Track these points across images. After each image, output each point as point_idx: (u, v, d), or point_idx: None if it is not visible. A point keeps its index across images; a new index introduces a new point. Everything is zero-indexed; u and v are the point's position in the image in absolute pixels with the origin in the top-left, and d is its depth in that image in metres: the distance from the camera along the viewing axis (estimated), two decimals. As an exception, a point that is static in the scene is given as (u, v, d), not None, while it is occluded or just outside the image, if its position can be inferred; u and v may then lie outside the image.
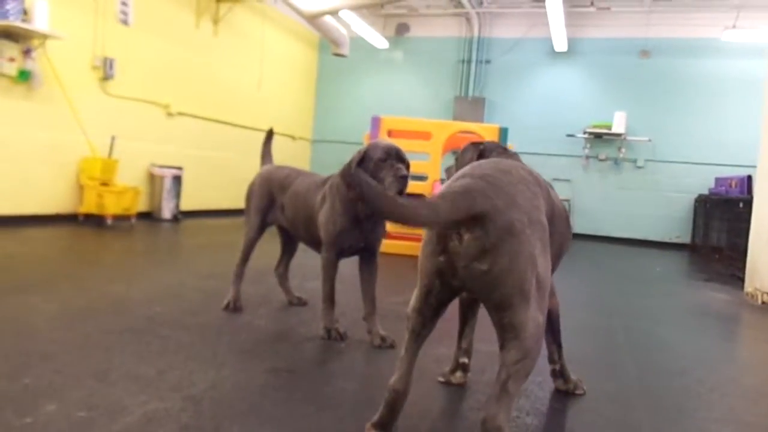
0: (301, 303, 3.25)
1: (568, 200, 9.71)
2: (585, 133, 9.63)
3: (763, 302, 4.63)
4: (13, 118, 5.56)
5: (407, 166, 2.48)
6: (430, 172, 5.86)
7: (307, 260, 2.73)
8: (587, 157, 9.74)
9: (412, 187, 5.88)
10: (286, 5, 7.93)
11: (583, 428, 1.91)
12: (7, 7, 5.09)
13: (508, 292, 1.42)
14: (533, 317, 1.44)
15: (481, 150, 2.23)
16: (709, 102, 9.25)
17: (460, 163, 2.29)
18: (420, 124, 6.13)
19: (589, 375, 2.33)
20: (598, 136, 9.59)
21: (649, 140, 9.42)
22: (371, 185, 1.31)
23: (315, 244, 2.80)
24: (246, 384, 2.01)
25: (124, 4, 6.64)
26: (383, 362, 2.41)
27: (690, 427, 1.98)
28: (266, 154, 3.29)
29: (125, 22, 6.69)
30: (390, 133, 5.99)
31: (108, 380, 1.94)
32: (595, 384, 2.26)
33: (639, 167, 9.56)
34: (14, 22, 5.16)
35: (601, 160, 9.70)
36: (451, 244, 1.47)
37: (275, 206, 2.98)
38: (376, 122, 5.92)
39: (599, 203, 9.67)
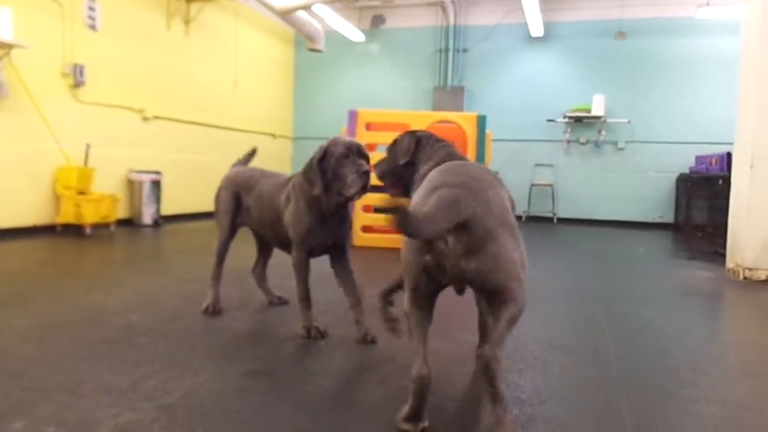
0: (282, 302, 3.22)
1: (551, 185, 9.73)
2: (565, 117, 9.64)
3: (744, 278, 4.67)
4: (-17, 130, 5.45)
5: (368, 161, 2.48)
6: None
7: (287, 258, 2.69)
8: (568, 141, 9.76)
9: (393, 180, 5.88)
10: (257, 2, 7.84)
11: (564, 414, 1.90)
12: (-31, 16, 4.97)
13: (501, 279, 1.63)
14: (522, 284, 1.67)
15: (417, 138, 2.24)
16: (687, 81, 9.29)
17: (395, 153, 2.27)
18: (397, 115, 6.09)
19: (570, 361, 2.32)
20: (578, 119, 9.60)
21: (629, 122, 9.46)
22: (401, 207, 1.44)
23: (284, 245, 2.78)
24: (222, 389, 1.98)
25: (91, 9, 6.53)
26: (363, 359, 2.38)
27: (672, 409, 1.97)
28: (239, 162, 3.26)
29: (93, 28, 6.58)
30: (368, 126, 5.95)
31: (80, 394, 1.89)
32: (577, 370, 2.26)
33: (620, 149, 9.59)
34: (-23, 31, 5.05)
35: (582, 144, 9.73)
36: (437, 246, 1.63)
37: (242, 208, 2.96)
38: (353, 116, 5.88)
39: (582, 187, 9.69)
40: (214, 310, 2.94)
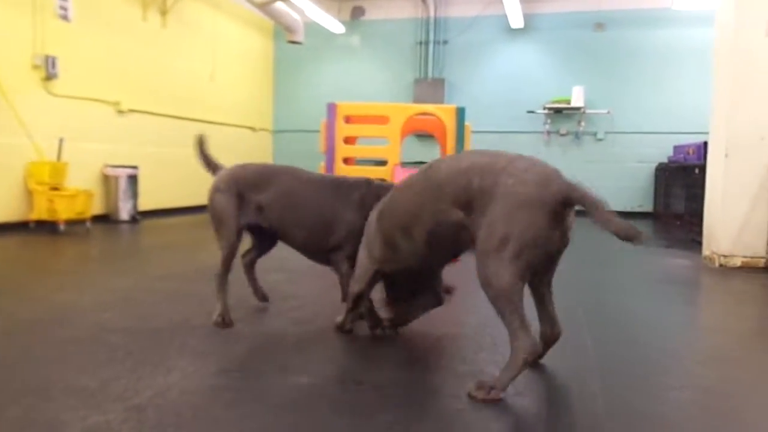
0: (263, 299, 3.11)
1: (531, 176, 9.76)
2: (545, 108, 9.67)
3: (720, 265, 4.72)
4: (-48, 124, 5.31)
5: None
6: (389, 157, 5.79)
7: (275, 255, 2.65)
8: (548, 133, 9.79)
9: (373, 172, 5.85)
10: (234, -7, 7.73)
11: (539, 405, 1.90)
12: (-66, 8, 4.83)
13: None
14: None
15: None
16: (665, 71, 9.36)
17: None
18: (377, 108, 6.05)
19: (554, 352, 2.32)
20: (557, 111, 9.64)
21: (608, 112, 9.51)
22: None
23: (315, 251, 2.72)
24: (195, 388, 1.94)
25: (63, -1, 6.38)
26: (339, 352, 2.36)
27: (646, 395, 1.98)
28: (209, 159, 2.96)
29: (66, 18, 6.43)
30: (347, 119, 5.90)
31: (47, 395, 1.85)
32: (553, 360, 2.25)
33: (599, 140, 9.65)
34: (-57, 23, 4.91)
35: (562, 135, 9.76)
36: (567, 221, 1.91)
37: (248, 209, 2.71)
38: (332, 109, 5.81)
39: (562, 178, 9.73)
40: (225, 322, 2.66)
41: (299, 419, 1.73)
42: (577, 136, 9.69)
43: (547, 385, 2.09)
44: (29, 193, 5.98)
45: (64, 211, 5.89)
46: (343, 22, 10.41)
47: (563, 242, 1.93)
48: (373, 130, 6.03)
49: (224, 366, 2.16)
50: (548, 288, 2.15)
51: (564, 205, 1.84)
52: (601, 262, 5.15)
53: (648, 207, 9.44)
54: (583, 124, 9.61)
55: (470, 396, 1.87)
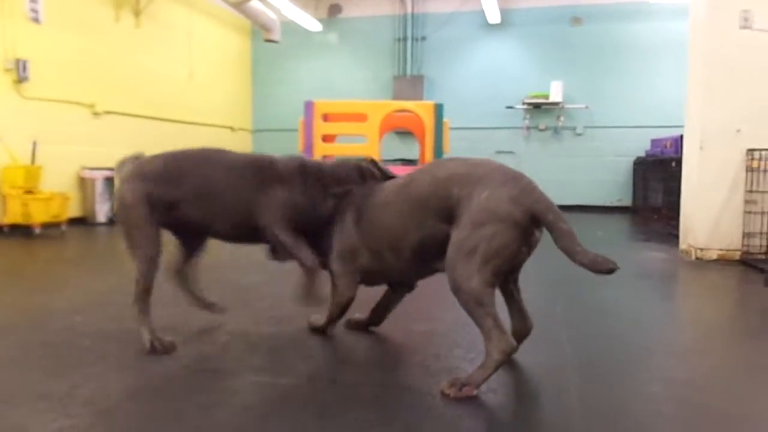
0: (217, 311, 2.75)
1: (512, 172, 9.80)
2: (524, 104, 9.71)
3: (696, 258, 4.77)
4: None
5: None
6: (368, 155, 5.77)
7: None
8: (528, 128, 9.84)
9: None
10: (210, -8, 7.66)
11: (513, 402, 1.90)
12: None
13: None
14: None
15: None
16: (642, 65, 9.44)
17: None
18: (355, 105, 6.03)
19: (522, 348, 2.32)
20: (536, 106, 9.69)
21: (587, 107, 9.58)
22: None
23: (246, 237, 2.48)
24: (167, 390, 1.91)
25: (33, 1, 6.26)
26: (315, 351, 2.34)
27: (619, 388, 1.99)
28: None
29: (36, 20, 6.32)
30: (325, 117, 5.88)
31: (14, 401, 1.81)
32: (528, 357, 2.25)
33: (578, 134, 9.71)
34: None
35: (541, 130, 9.82)
36: (534, 237, 1.96)
37: (158, 209, 2.36)
38: (309, 107, 5.79)
39: (542, 173, 9.71)
40: (164, 346, 2.28)
41: (272, 419, 1.71)
42: (556, 131, 9.75)
43: (521, 381, 2.09)
44: (2, 198, 5.87)
45: (38, 215, 5.79)
46: (321, 20, 10.37)
47: (529, 253, 2.00)
48: (351, 127, 6.01)
49: (197, 367, 2.13)
50: (515, 285, 2.20)
51: (533, 223, 1.90)
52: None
53: (627, 201, 9.53)
54: (562, 119, 9.67)
55: (443, 393, 1.87)
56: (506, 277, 2.13)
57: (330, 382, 2.03)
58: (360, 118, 5.86)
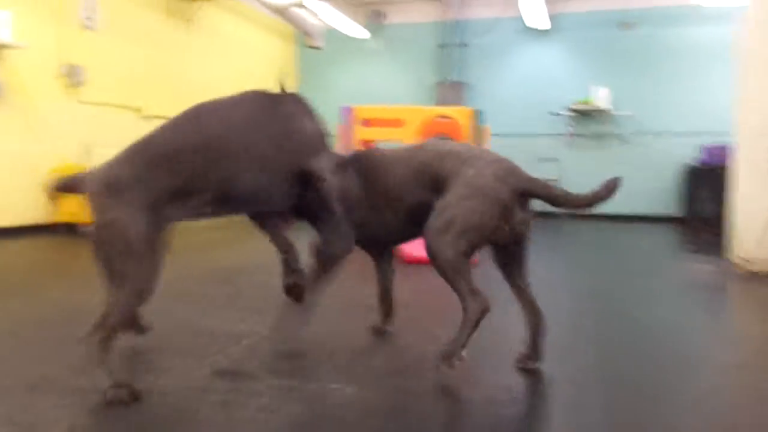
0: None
1: (555, 179, 9.61)
2: (568, 110, 9.52)
3: (747, 270, 4.55)
4: (-20, 131, 5.48)
5: None
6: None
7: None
8: (572, 135, 9.63)
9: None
10: (256, 0, 7.81)
11: (531, 411, 1.84)
12: (-37, 18, 4.99)
13: None
14: None
15: None
16: (694, 70, 9.12)
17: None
18: (393, 111, 6.03)
19: (549, 358, 2.26)
20: (581, 112, 9.48)
21: (634, 114, 9.31)
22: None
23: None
24: (185, 390, 1.94)
25: (89, 9, 6.53)
26: (340, 358, 2.33)
27: (645, 405, 1.90)
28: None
29: (91, 28, 6.58)
30: (364, 123, 5.90)
31: (40, 392, 1.87)
32: (555, 368, 2.19)
33: (625, 142, 9.45)
34: (-28, 33, 5.07)
35: (586, 137, 9.60)
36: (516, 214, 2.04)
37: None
38: (347, 112, 5.83)
39: (586, 180, 9.37)
40: (131, 394, 1.78)
41: (289, 421, 1.71)
42: (602, 138, 9.51)
43: (545, 394, 2.03)
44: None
45: (85, 214, 6.00)
46: (365, 27, 10.44)
47: (513, 236, 2.06)
48: (390, 133, 6.01)
49: (220, 367, 2.15)
50: (524, 281, 2.21)
51: (518, 199, 2.02)
52: (622, 267, 5.03)
53: (676, 211, 9.19)
54: (608, 125, 9.43)
55: (439, 369, 2.00)
56: (511, 271, 2.20)
57: (350, 386, 2.02)
58: (398, 123, 5.86)
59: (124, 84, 7.10)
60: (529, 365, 2.15)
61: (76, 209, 5.99)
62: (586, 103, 9.35)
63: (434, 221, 2.03)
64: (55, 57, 6.19)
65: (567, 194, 2.07)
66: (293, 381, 2.02)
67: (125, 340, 2.44)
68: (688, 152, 8.94)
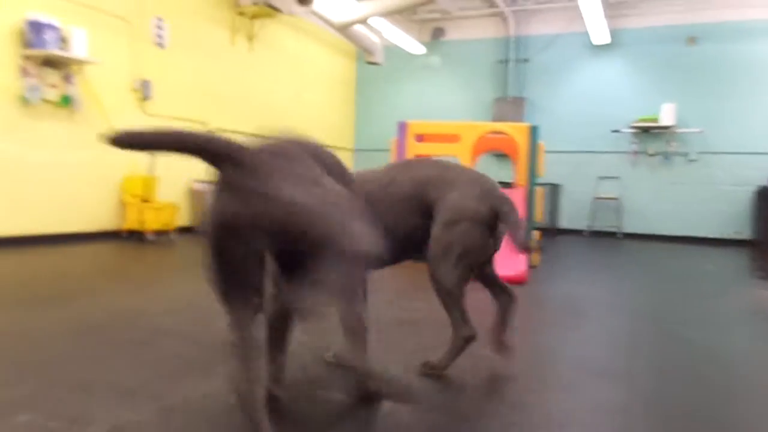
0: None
1: (616, 198, 9.33)
2: (631, 127, 9.25)
3: (819, 299, 4.28)
4: (58, 141, 5.85)
5: None
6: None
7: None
8: (635, 153, 9.33)
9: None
10: (317, 17, 8.02)
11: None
12: (46, 37, 5.36)
13: None
14: None
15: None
16: (764, 87, 8.69)
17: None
18: (448, 126, 6.02)
19: (598, 383, 2.20)
20: (645, 130, 9.18)
21: (702, 131, 8.95)
22: None
23: None
24: (229, 395, 1.99)
25: (159, 27, 6.89)
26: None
27: (694, 437, 1.82)
28: None
29: (161, 45, 6.93)
30: (419, 138, 5.93)
31: (89, 391, 1.97)
32: (604, 393, 2.13)
33: (692, 160, 9.08)
34: (53, 50, 5.43)
35: (650, 155, 9.28)
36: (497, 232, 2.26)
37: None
38: (402, 128, 5.87)
39: (650, 200, 9.24)
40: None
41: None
42: (666, 156, 9.17)
43: (592, 420, 1.97)
44: (123, 205, 6.45)
45: (151, 222, 6.30)
46: (424, 43, 10.52)
47: (496, 246, 2.28)
48: (444, 148, 6.02)
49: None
50: (492, 270, 2.40)
51: (496, 218, 2.20)
52: (683, 291, 4.82)
53: (746, 234, 8.74)
54: (673, 144, 9.09)
55: (422, 373, 2.25)
56: (481, 267, 2.37)
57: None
58: (453, 139, 5.85)
59: (189, 98, 7.43)
60: (501, 338, 2.41)
61: (143, 217, 6.29)
62: (650, 120, 9.05)
63: (434, 247, 2.18)
64: (128, 72, 6.55)
65: (518, 228, 2.15)
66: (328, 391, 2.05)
67: (178, 346, 2.54)
68: (759, 172, 8.51)
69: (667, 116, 8.93)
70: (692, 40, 9.03)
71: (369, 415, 1.89)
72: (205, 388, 2.03)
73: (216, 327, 2.84)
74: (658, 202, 9.18)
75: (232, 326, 1.46)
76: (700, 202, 8.98)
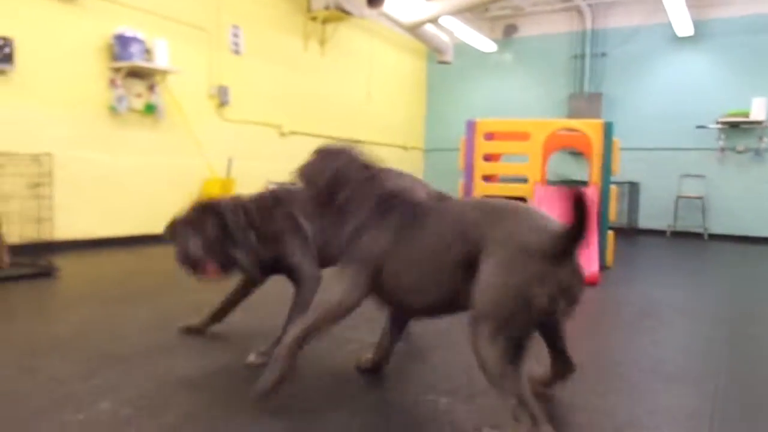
0: None
1: (701, 197, 8.84)
2: (718, 123, 8.71)
3: None
4: (143, 147, 6.21)
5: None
6: (530, 174, 5.65)
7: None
8: (722, 150, 8.78)
9: (513, 189, 5.73)
10: (387, 19, 8.09)
11: (635, 445, 1.74)
12: (132, 50, 5.71)
13: None
14: None
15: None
16: None
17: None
18: (517, 124, 5.92)
19: (669, 388, 2.12)
20: (734, 125, 8.63)
21: (797, 126, 8.32)
22: None
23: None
24: (288, 386, 2.07)
25: (235, 35, 7.17)
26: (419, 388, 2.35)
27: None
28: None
29: (237, 52, 7.22)
30: (488, 136, 5.87)
31: (163, 381, 2.09)
32: (674, 399, 2.04)
33: (786, 157, 8.46)
34: (139, 62, 5.77)
35: (739, 152, 8.70)
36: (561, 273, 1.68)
37: None
38: (471, 126, 5.83)
39: (738, 199, 8.67)
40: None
41: None
42: (757, 153, 8.57)
43: (658, 426, 1.90)
44: (202, 207, 6.76)
45: (228, 223, 6.55)
46: (496, 41, 10.38)
47: (553, 306, 1.62)
48: (513, 146, 5.92)
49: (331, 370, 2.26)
50: (562, 342, 1.93)
51: (553, 262, 1.60)
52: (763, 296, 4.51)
53: None
54: (765, 140, 8.49)
55: None
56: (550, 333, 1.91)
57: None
58: (522, 136, 5.75)
59: (265, 103, 7.69)
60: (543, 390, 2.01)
61: (218, 217, 6.55)
62: (741, 114, 8.50)
63: (471, 311, 1.68)
64: (207, 80, 6.86)
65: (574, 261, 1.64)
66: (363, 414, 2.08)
67: (241, 338, 2.65)
68: None
69: (757, 110, 8.36)
70: (786, 27, 8.40)
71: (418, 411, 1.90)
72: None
73: (281, 322, 2.93)
74: (747, 201, 8.61)
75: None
76: (795, 201, 8.34)
